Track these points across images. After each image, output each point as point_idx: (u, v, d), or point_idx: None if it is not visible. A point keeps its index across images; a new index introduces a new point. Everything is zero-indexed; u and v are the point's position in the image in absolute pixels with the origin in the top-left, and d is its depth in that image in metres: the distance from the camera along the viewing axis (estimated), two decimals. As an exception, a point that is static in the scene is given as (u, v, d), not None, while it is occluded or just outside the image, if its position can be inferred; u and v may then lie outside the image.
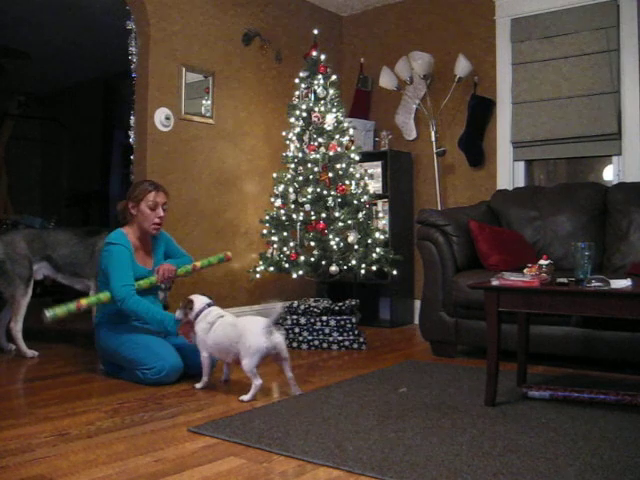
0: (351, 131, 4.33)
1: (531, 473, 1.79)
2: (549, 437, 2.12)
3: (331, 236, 4.01)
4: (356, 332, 3.85)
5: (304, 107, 4.24)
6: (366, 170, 4.58)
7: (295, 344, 3.84)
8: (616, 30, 4.19)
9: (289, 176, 4.21)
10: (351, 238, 4.03)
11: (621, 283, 2.32)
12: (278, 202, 4.23)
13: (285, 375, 2.68)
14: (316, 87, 4.24)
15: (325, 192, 4.07)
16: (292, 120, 4.29)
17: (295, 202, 4.14)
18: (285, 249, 4.12)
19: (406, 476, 1.76)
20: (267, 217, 4.26)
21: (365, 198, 4.20)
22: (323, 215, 4.05)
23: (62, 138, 8.35)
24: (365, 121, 5.21)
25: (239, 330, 2.66)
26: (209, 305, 2.87)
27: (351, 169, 4.18)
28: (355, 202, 4.11)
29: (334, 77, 4.30)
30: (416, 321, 4.64)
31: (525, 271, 2.53)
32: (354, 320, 3.87)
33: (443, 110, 4.86)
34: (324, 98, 4.23)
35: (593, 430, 2.19)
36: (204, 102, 4.46)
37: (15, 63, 6.69)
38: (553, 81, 4.43)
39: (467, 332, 3.50)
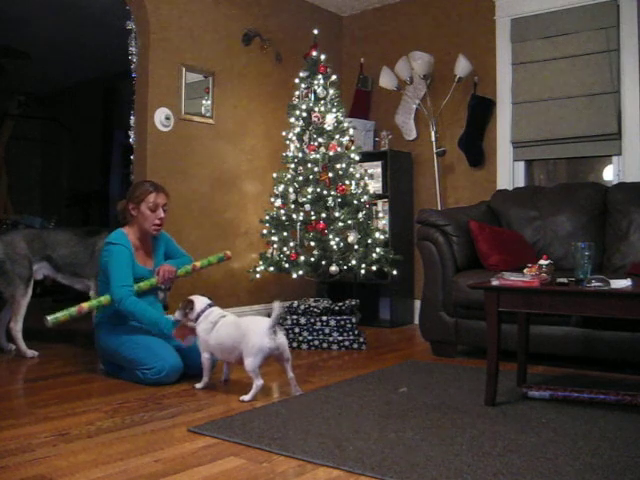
0: (351, 131, 4.33)
1: (531, 473, 1.79)
2: (549, 437, 2.12)
3: (331, 236, 4.01)
4: (356, 332, 3.85)
5: (304, 107, 4.24)
6: (366, 170, 4.58)
7: (295, 344, 3.84)
8: (616, 30, 4.19)
9: (289, 176, 4.21)
10: (351, 238, 4.03)
11: (621, 283, 2.32)
12: (278, 202, 4.23)
13: (286, 375, 2.68)
14: (316, 87, 4.24)
15: (325, 192, 4.07)
16: (292, 120, 4.29)
17: (295, 202, 4.14)
18: (285, 249, 4.12)
19: (406, 476, 1.76)
20: (267, 217, 4.26)
21: (365, 198, 4.20)
22: (323, 215, 4.05)
23: (62, 138, 8.34)
24: (365, 121, 5.21)
25: (242, 330, 2.66)
26: (210, 306, 2.87)
27: (351, 169, 4.18)
28: (355, 202, 4.11)
29: (334, 77, 4.30)
30: (416, 321, 4.64)
31: (525, 271, 2.53)
32: (354, 320, 3.87)
33: (443, 110, 4.86)
34: (324, 98, 4.23)
35: (593, 430, 2.19)
36: (204, 102, 4.46)
37: (15, 63, 6.69)
38: (553, 81, 4.43)
39: (467, 332, 3.50)
